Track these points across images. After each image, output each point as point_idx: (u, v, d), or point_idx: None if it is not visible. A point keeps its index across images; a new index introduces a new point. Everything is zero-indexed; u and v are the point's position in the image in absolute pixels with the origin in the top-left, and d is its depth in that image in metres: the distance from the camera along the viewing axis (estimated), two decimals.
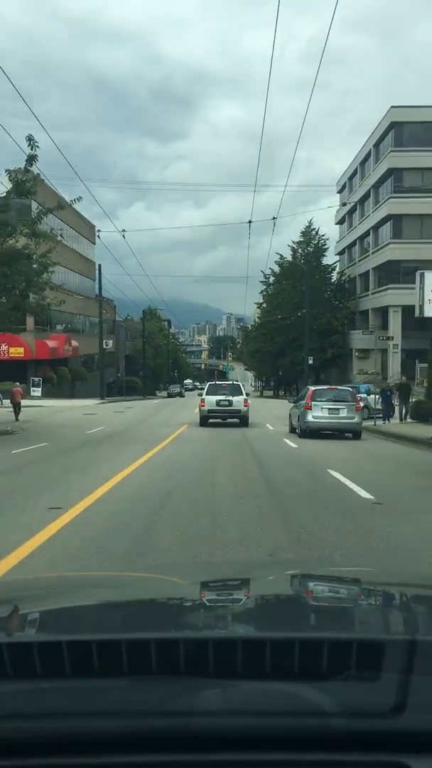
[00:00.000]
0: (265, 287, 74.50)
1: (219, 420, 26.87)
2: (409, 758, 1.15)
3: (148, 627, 1.59)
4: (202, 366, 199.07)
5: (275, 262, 70.95)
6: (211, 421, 26.81)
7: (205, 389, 28.16)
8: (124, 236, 32.37)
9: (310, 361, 52.25)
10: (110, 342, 79.57)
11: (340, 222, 77.09)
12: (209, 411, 26.66)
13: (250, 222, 29.10)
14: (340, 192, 77.79)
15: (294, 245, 67.64)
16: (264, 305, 77.88)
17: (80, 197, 23.66)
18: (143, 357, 76.87)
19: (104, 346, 77.90)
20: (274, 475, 12.88)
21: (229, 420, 27.16)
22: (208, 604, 1.96)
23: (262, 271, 75.04)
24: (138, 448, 17.43)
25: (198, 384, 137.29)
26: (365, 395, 30.52)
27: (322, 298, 65.65)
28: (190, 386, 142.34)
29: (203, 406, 26.91)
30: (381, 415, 28.05)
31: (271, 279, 72.82)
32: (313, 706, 1.20)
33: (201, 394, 29.61)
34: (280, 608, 1.93)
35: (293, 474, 13.00)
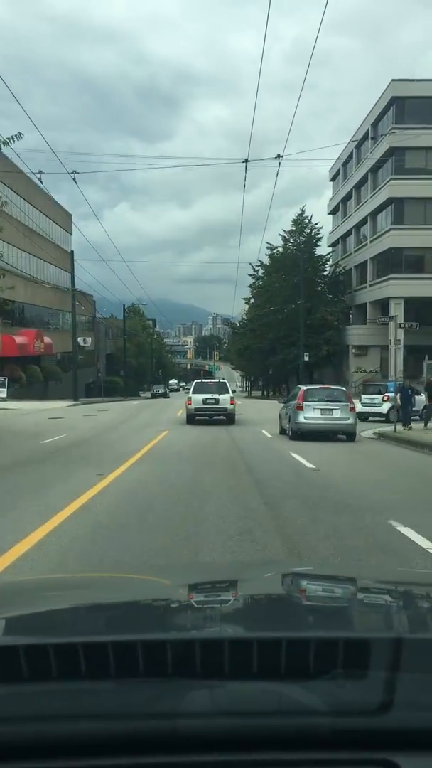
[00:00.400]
0: (254, 280, 69.19)
1: (206, 417, 26.46)
2: (397, 756, 1.14)
3: (135, 628, 1.55)
4: (188, 366, 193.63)
5: (266, 253, 65.63)
6: (198, 418, 26.44)
7: (192, 388, 27.75)
8: (74, 179, 25.45)
9: (306, 358, 46.88)
10: (89, 339, 73.98)
11: (333, 212, 71.90)
12: (196, 409, 26.34)
13: (246, 161, 23.50)
14: (333, 180, 72.58)
15: (285, 234, 62.26)
16: (252, 301, 72.70)
17: (19, 133, 18.03)
18: (124, 355, 71.25)
19: (82, 344, 72.34)
20: (301, 533, 7.42)
21: (216, 418, 26.58)
22: (195, 605, 1.91)
23: (251, 264, 69.71)
24: (90, 473, 11.95)
25: (183, 384, 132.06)
26: (393, 394, 25.20)
27: (315, 291, 60.44)
28: (176, 386, 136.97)
29: (190, 404, 26.60)
30: (406, 417, 22.86)
31: (261, 272, 67.46)
32: (300, 705, 1.19)
33: (188, 393, 29.15)
34: (267, 608, 1.88)
35: (337, 530, 7.54)
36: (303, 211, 62.24)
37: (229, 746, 1.16)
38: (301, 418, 19.90)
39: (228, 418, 26.42)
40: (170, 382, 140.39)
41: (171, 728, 1.16)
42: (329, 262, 64.22)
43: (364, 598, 2.08)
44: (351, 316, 62.23)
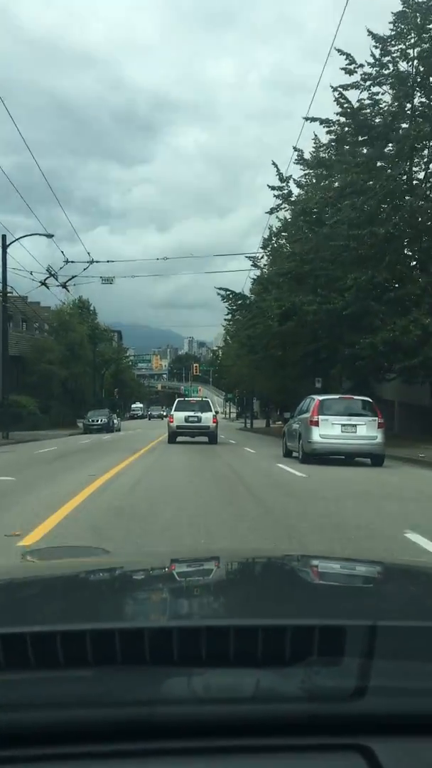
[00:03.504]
0: (278, 202, 30.24)
1: (188, 438, 25.24)
2: (370, 740, 1.12)
3: (113, 616, 1.51)
4: (159, 387, 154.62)
5: (322, 121, 26.32)
6: (180, 438, 25.24)
7: (174, 406, 26.76)
8: None
9: None
10: None
11: None
12: (178, 427, 25.39)
13: None
14: None
15: (360, 71, 23.58)
16: (265, 258, 34.53)
17: None
18: (3, 344, 31.56)
19: None
20: None
21: (198, 438, 25.18)
22: (175, 591, 1.86)
23: (269, 186, 31.03)
24: None
25: (150, 411, 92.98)
26: None
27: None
28: (139, 412, 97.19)
29: (172, 422, 25.84)
30: None
31: (286, 195, 28.73)
32: (276, 692, 1.18)
33: (165, 415, 31.00)
34: (244, 595, 1.81)
35: None
36: None
37: (206, 732, 1.12)
38: (316, 436, 15.27)
39: (210, 438, 25.04)
40: (133, 406, 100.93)
41: (148, 715, 1.11)
42: None
43: (342, 583, 2.03)
44: None
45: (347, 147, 24.78)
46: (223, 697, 1.16)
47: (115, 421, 48.64)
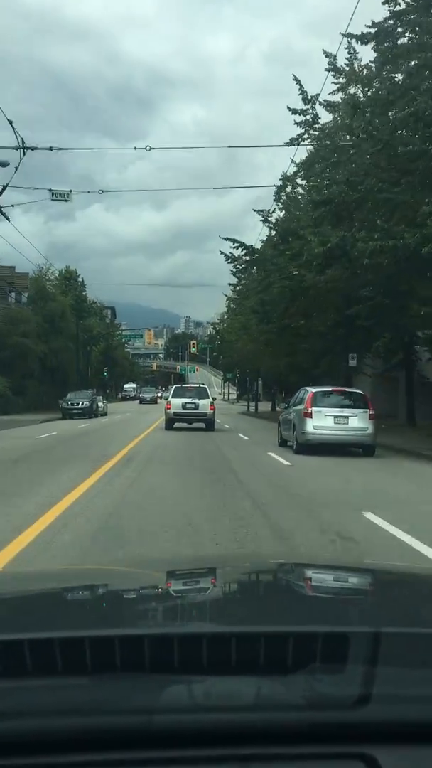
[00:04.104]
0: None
1: (185, 424, 24.95)
2: (374, 749, 1.10)
3: (112, 623, 1.49)
4: (154, 366, 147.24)
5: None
6: (177, 424, 24.70)
7: (171, 392, 26.73)
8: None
9: None
10: None
11: None
12: (175, 414, 25.08)
13: None
14: None
15: None
16: (279, 215, 27.60)
17: None
18: None
19: None
20: None
21: (195, 424, 24.95)
22: (175, 598, 1.83)
23: (290, 109, 24.10)
24: None
25: (141, 392, 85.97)
26: None
27: None
28: (132, 393, 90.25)
29: (169, 408, 25.40)
30: None
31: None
32: (278, 700, 1.16)
33: (160, 397, 30.86)
34: (246, 602, 1.80)
35: None
36: None
37: (205, 741, 1.09)
38: (310, 428, 15.63)
39: (207, 424, 25.02)
40: (125, 386, 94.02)
41: (146, 723, 1.09)
42: None
43: (343, 590, 1.98)
44: None
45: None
46: (224, 704, 1.12)
47: (100, 404, 41.62)
